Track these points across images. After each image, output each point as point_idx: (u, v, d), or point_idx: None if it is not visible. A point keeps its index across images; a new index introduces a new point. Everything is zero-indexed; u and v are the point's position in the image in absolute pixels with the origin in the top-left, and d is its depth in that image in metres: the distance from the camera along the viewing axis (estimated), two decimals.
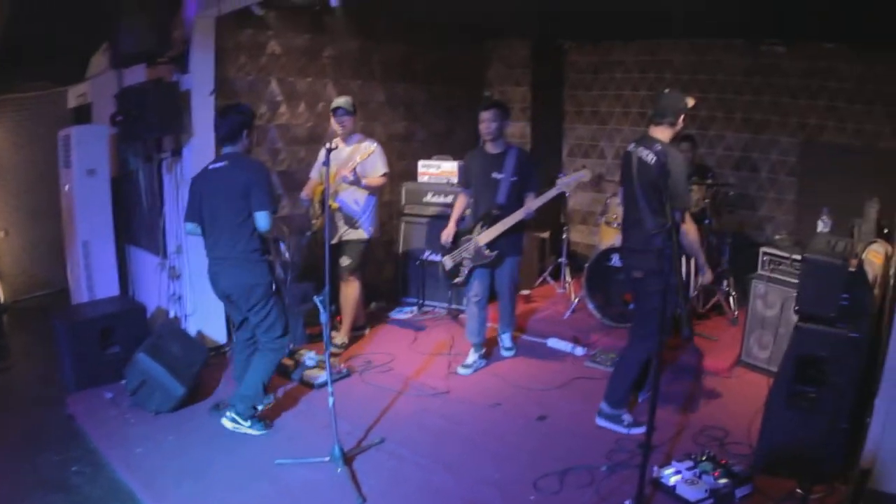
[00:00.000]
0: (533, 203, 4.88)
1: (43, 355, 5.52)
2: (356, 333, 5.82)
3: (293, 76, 6.21)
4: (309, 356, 5.15)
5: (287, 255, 4.51)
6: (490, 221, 4.95)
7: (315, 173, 5.58)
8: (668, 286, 3.31)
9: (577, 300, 6.30)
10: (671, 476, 3.46)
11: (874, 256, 4.24)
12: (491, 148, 5.02)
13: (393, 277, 6.96)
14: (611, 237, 6.03)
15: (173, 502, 3.53)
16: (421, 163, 6.79)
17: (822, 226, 4.80)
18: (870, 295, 3.91)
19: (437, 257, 5.26)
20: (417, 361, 5.40)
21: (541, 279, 7.19)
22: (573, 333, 5.76)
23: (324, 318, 3.79)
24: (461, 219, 5.29)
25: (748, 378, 4.99)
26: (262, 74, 5.99)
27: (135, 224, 6.12)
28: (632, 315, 4.52)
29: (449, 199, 6.41)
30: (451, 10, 6.16)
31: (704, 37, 6.91)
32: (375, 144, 5.33)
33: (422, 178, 6.76)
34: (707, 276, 4.27)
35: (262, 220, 4.04)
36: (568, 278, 6.84)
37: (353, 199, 5.36)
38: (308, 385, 4.89)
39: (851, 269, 3.72)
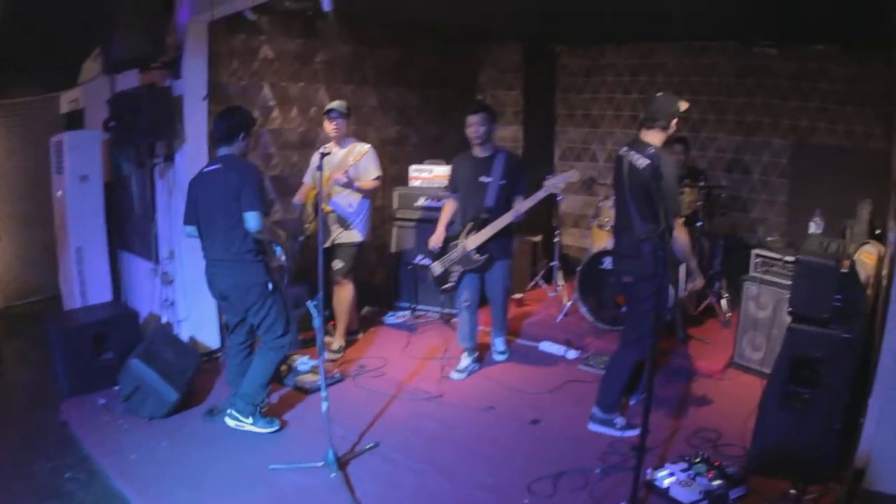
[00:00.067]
0: (521, 205, 4.85)
1: (36, 361, 5.50)
2: (350, 339, 5.80)
3: (286, 81, 6.20)
4: (302, 361, 5.13)
5: (283, 259, 4.49)
6: (479, 225, 4.92)
7: (308, 178, 5.57)
8: (662, 288, 3.32)
9: (569, 303, 6.31)
10: (665, 478, 3.46)
11: (866, 257, 4.25)
12: (479, 152, 5.00)
13: (385, 282, 6.95)
14: (603, 240, 6.01)
15: None
16: (412, 167, 6.78)
17: (814, 227, 4.82)
18: (862, 296, 3.92)
19: (428, 262, 5.24)
20: (410, 366, 5.39)
21: (533, 283, 7.18)
22: (566, 337, 5.75)
23: (317, 322, 3.78)
24: (450, 224, 5.24)
25: (741, 380, 4.99)
26: (255, 79, 5.98)
27: (127, 229, 6.11)
28: (624, 318, 4.52)
29: (441, 203, 6.39)
30: (443, 14, 6.16)
31: (698, 39, 6.94)
32: (368, 146, 5.33)
33: (413, 183, 6.75)
34: (698, 282, 4.25)
35: (251, 220, 4.02)
36: (560, 282, 6.85)
37: (347, 202, 5.36)
38: (302, 390, 4.88)
39: (844, 270, 3.73)
